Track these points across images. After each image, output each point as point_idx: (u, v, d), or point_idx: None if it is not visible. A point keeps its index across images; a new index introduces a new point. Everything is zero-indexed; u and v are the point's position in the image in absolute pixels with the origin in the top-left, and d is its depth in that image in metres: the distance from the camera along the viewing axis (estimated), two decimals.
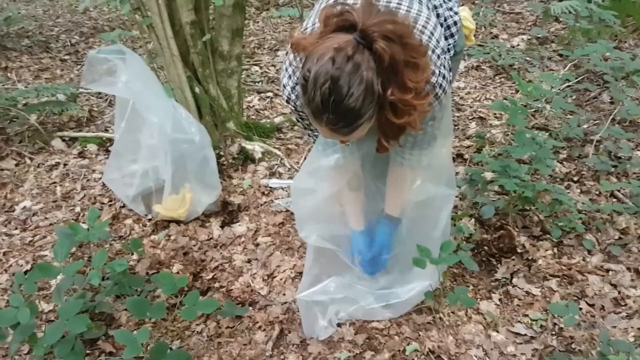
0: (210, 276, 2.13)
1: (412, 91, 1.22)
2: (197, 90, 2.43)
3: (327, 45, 1.16)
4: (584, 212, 2.22)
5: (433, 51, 1.37)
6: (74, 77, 4.05)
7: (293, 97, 1.48)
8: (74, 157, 2.91)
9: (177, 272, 2.11)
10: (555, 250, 2.10)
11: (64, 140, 3.06)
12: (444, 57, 1.42)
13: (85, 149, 2.96)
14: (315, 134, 1.65)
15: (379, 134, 1.39)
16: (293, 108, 1.53)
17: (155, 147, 2.22)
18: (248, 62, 3.96)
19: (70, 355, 1.60)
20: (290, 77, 1.45)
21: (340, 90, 1.15)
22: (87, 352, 1.82)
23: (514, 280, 1.98)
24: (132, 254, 2.19)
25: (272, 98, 3.47)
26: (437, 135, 1.62)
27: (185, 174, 2.28)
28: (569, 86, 3.24)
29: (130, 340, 1.56)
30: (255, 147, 2.68)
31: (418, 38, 1.32)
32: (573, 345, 1.71)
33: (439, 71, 1.38)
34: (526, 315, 1.84)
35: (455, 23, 1.55)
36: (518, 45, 3.97)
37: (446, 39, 1.53)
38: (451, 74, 1.48)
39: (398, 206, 1.74)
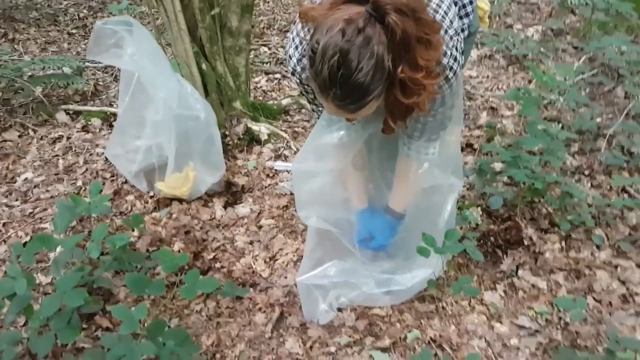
0: (211, 256, 2.10)
1: (423, 70, 1.17)
2: (204, 66, 2.38)
3: (337, 17, 1.12)
4: (594, 206, 2.17)
5: (446, 31, 1.32)
6: (81, 50, 4.00)
7: (299, 69, 1.43)
8: (78, 131, 2.87)
9: (178, 251, 2.08)
10: (563, 243, 2.06)
11: (68, 114, 3.03)
12: (457, 39, 1.37)
13: (89, 123, 2.92)
14: (320, 109, 1.60)
15: (386, 114, 1.35)
16: (298, 81, 1.49)
17: (160, 124, 2.17)
18: (257, 42, 3.90)
19: (66, 328, 1.57)
20: (296, 48, 1.40)
21: (349, 64, 1.10)
22: (84, 326, 1.79)
23: (520, 272, 1.95)
24: (133, 230, 2.15)
25: (280, 79, 3.41)
26: (447, 124, 1.57)
27: (189, 152, 2.24)
28: (582, 79, 3.17)
29: (128, 316, 1.54)
30: (262, 128, 2.63)
31: (431, 16, 1.27)
32: (579, 341, 1.68)
33: (451, 52, 1.33)
34: (531, 308, 1.81)
35: (470, 2, 1.49)
36: (532, 36, 3.89)
37: (460, 18, 1.48)
38: (463, 57, 1.43)
39: (402, 201, 1.70)
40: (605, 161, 2.45)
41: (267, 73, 3.45)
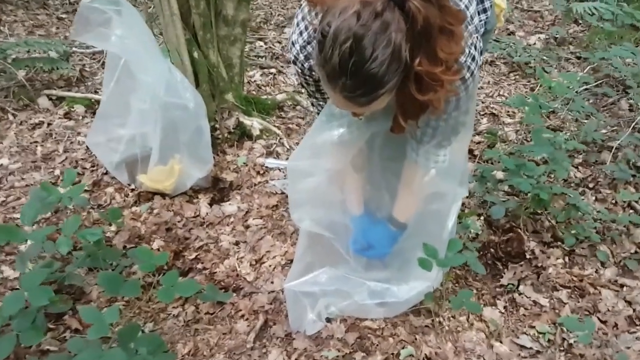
0: (193, 256, 1.96)
1: (443, 64, 1.05)
2: (195, 55, 2.25)
3: None
4: (599, 220, 2.07)
5: (466, 26, 1.21)
6: (70, 35, 3.84)
7: (302, 57, 1.30)
8: (59, 118, 2.72)
9: (158, 249, 1.95)
10: (567, 259, 1.95)
11: (50, 99, 2.87)
12: (476, 37, 1.26)
13: (72, 109, 2.77)
14: (320, 103, 1.48)
15: (397, 111, 1.22)
16: (300, 70, 1.36)
17: (146, 112, 2.04)
18: (253, 36, 3.77)
19: (29, 329, 1.43)
20: (301, 33, 1.28)
21: (363, 51, 0.98)
22: (51, 327, 1.66)
23: (521, 287, 1.84)
24: (110, 224, 2.02)
25: (275, 74, 3.29)
26: (460, 130, 1.46)
27: (175, 144, 2.10)
28: (586, 89, 3.08)
29: (98, 318, 1.40)
30: (254, 123, 2.50)
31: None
32: None
33: (469, 51, 1.22)
34: (532, 327, 1.70)
35: None
36: (534, 44, 3.80)
37: (478, 14, 1.37)
38: (481, 57, 1.32)
39: (407, 211, 1.59)
40: (611, 175, 2.35)
41: (262, 67, 3.33)
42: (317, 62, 1.08)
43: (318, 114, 1.51)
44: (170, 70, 1.96)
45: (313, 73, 1.34)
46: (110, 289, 1.53)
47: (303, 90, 1.53)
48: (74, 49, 3.43)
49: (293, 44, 1.31)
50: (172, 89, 1.92)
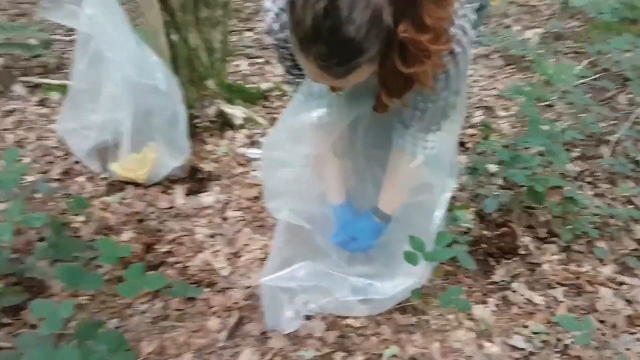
0: (165, 249, 1.84)
1: (430, 31, 0.94)
2: (173, 37, 2.13)
3: None
4: (597, 215, 1.96)
5: None
6: (52, 24, 3.72)
7: (277, 27, 1.19)
8: (34, 105, 2.61)
9: (128, 241, 1.82)
10: (563, 255, 1.84)
11: (26, 86, 2.75)
12: (469, 8, 1.15)
13: (47, 96, 2.65)
14: (297, 80, 1.36)
15: (380, 87, 1.11)
16: (275, 43, 1.25)
17: (118, 96, 1.91)
18: (241, 26, 3.66)
19: None
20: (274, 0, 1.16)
21: (338, 12, 0.87)
22: (8, 322, 1.53)
23: (514, 284, 1.72)
24: (77, 214, 1.89)
25: (262, 65, 3.17)
26: (450, 114, 1.34)
27: (149, 131, 1.99)
28: (583, 83, 2.97)
29: (50, 312, 1.28)
30: (236, 112, 2.39)
31: None
32: None
33: (459, 22, 1.11)
34: (526, 327, 1.58)
35: None
36: (531, 38, 3.69)
37: None
38: (473, 32, 1.20)
39: (393, 202, 1.48)
40: (610, 169, 2.24)
41: (249, 57, 3.21)
42: (289, 28, 0.97)
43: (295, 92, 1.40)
44: (143, 50, 1.84)
45: (289, 45, 1.22)
46: (70, 281, 1.41)
47: (280, 66, 1.40)
48: (55, 36, 3.32)
49: (267, 11, 1.19)
50: (144, 69, 1.80)
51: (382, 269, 1.57)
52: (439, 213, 1.49)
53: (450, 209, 1.88)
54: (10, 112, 2.55)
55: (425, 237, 1.47)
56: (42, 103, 2.62)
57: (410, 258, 1.40)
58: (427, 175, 1.47)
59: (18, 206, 1.39)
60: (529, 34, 3.81)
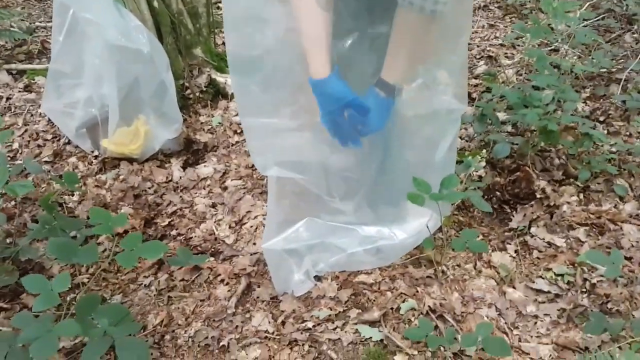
0: (166, 222, 1.77)
1: None
2: (155, 3, 2.02)
3: None
4: (615, 153, 1.87)
5: None
6: (35, 13, 3.62)
7: None
8: (19, 91, 2.52)
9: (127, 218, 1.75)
10: (581, 196, 1.75)
11: (10, 74, 2.66)
12: None
13: (33, 81, 2.56)
14: None
15: None
16: None
17: (101, 67, 1.82)
18: None
19: None
20: None
21: None
22: (5, 306, 1.46)
23: (533, 229, 1.64)
24: (72, 194, 1.81)
25: None
26: None
27: (138, 103, 1.90)
28: (585, 26, 2.85)
29: (44, 288, 1.20)
30: (228, 80, 2.29)
31: None
32: (609, 305, 1.37)
33: None
34: (549, 270, 1.50)
35: None
36: None
37: None
38: None
39: (398, 69, 1.21)
40: (622, 106, 2.13)
41: None
42: None
43: None
44: (123, 14, 1.74)
45: None
46: (64, 257, 1.32)
47: None
48: (37, 23, 3.22)
49: None
50: (125, 33, 1.70)
51: (389, 213, 1.48)
52: (446, 143, 1.37)
53: (460, 156, 1.79)
54: None
55: (432, 177, 1.36)
56: (28, 89, 2.53)
57: (415, 199, 1.30)
58: (435, 101, 1.32)
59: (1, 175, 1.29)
60: None
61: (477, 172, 1.77)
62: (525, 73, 2.49)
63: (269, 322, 1.39)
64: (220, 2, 3.28)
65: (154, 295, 1.50)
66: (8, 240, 1.60)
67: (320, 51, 1.18)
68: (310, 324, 1.37)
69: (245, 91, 1.24)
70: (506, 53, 2.70)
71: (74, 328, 1.17)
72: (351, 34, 1.31)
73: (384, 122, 1.25)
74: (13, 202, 1.79)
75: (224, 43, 2.90)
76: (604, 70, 2.38)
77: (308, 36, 1.17)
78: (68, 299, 1.44)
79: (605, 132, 2.04)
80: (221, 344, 1.33)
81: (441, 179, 1.38)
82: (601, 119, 2.12)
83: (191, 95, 2.20)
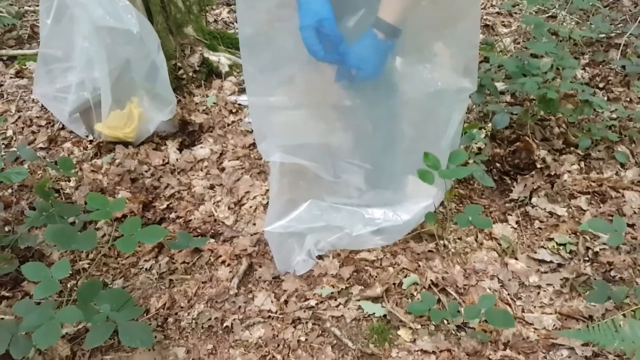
0: (164, 205, 1.75)
1: None
2: None
3: None
4: (615, 119, 1.84)
5: None
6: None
7: None
8: (11, 77, 2.47)
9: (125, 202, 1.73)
10: (582, 164, 1.74)
11: (1, 60, 2.62)
12: None
13: (24, 67, 2.52)
14: None
15: None
16: None
17: (92, 51, 1.78)
18: None
19: None
20: None
21: None
22: (7, 294, 1.46)
23: (534, 199, 1.63)
24: (69, 180, 1.80)
25: None
26: None
27: (131, 85, 1.86)
28: None
29: (44, 275, 1.20)
30: (221, 59, 2.25)
31: None
32: (612, 273, 1.37)
33: None
34: (551, 239, 1.49)
35: None
36: None
37: None
38: None
39: (397, 6, 1.13)
40: (622, 71, 2.11)
41: (229, 4, 3.04)
42: None
43: None
44: None
45: None
46: (63, 243, 1.32)
47: None
48: (25, 7, 3.15)
49: None
50: (112, 13, 1.66)
51: (392, 195, 1.47)
52: (453, 124, 1.35)
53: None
54: None
55: (439, 153, 1.35)
56: (19, 74, 2.49)
57: (425, 176, 1.29)
58: (444, 79, 1.30)
59: None
60: None
61: (476, 143, 1.75)
62: (522, 41, 2.46)
63: (272, 302, 1.39)
64: None
65: (155, 278, 1.50)
66: (6, 229, 1.59)
67: None
68: (313, 302, 1.37)
69: (248, 69, 1.25)
70: (503, 21, 2.66)
71: (77, 314, 1.17)
72: None
73: (379, 67, 1.19)
74: (9, 190, 1.78)
75: (215, 21, 2.86)
76: (603, 35, 2.35)
77: None
78: (69, 285, 1.44)
79: (605, 98, 2.02)
80: (225, 324, 1.33)
81: (447, 155, 1.36)
82: (601, 85, 2.09)
83: (184, 76, 2.17)
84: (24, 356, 1.18)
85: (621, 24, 2.47)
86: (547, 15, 2.58)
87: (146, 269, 1.53)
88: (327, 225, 1.48)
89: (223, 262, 1.53)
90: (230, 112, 2.14)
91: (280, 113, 1.35)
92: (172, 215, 1.72)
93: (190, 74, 2.18)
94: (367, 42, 1.16)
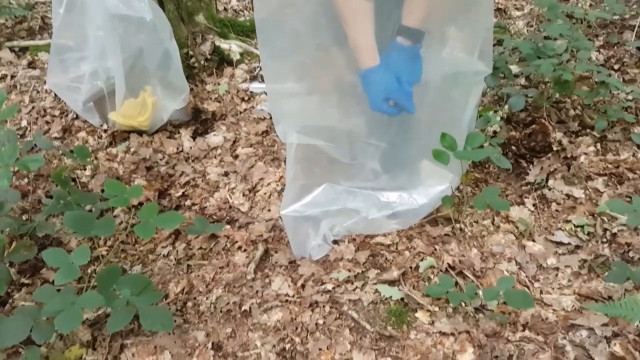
0: (179, 193, 1.76)
1: None
2: None
3: None
4: (631, 100, 1.82)
5: None
6: None
7: None
8: (24, 68, 2.49)
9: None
10: (599, 146, 1.72)
11: (13, 51, 2.63)
12: None
13: (37, 58, 2.53)
14: None
15: None
16: None
17: (105, 39, 1.78)
18: None
19: None
20: None
21: None
22: (26, 282, 1.48)
23: (550, 182, 1.62)
24: (85, 168, 1.81)
25: None
26: None
27: (144, 74, 1.87)
28: None
29: (64, 260, 1.21)
30: (232, 47, 2.25)
31: None
32: (631, 254, 1.36)
33: None
34: (568, 221, 1.48)
35: None
36: None
37: None
38: None
39: (420, 11, 1.17)
40: (637, 53, 2.08)
41: None
42: None
43: None
44: None
45: None
46: (81, 229, 1.33)
47: None
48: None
49: None
50: (125, 1, 1.66)
51: (409, 178, 1.46)
52: (470, 108, 1.35)
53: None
54: (0, 79, 2.44)
55: (453, 134, 1.35)
56: (31, 65, 2.50)
57: (440, 157, 1.28)
58: (460, 62, 1.30)
59: (10, 150, 1.28)
60: None
61: (492, 126, 1.74)
62: (536, 24, 2.43)
63: (289, 286, 1.39)
64: None
65: (173, 264, 1.51)
66: (24, 217, 1.61)
67: (368, 43, 1.20)
68: (329, 286, 1.37)
69: (262, 58, 1.27)
70: (515, 4, 2.63)
71: (98, 299, 1.19)
72: None
73: (419, 72, 1.23)
74: (26, 180, 1.80)
75: (225, 9, 2.85)
76: (617, 17, 2.31)
77: (356, 32, 1.19)
78: (88, 271, 1.45)
79: (621, 79, 2.00)
80: (243, 308, 1.34)
81: (464, 138, 1.36)
82: (616, 67, 2.07)
83: (196, 64, 2.17)
84: (46, 341, 1.20)
85: (636, 5, 2.44)
86: None
87: (164, 255, 1.54)
88: (342, 209, 1.48)
89: (239, 247, 1.54)
90: (243, 99, 2.14)
91: (295, 99, 1.35)
92: (188, 203, 1.73)
93: (202, 62, 2.18)
94: (395, 56, 1.20)
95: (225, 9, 2.83)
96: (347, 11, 1.17)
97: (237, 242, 1.55)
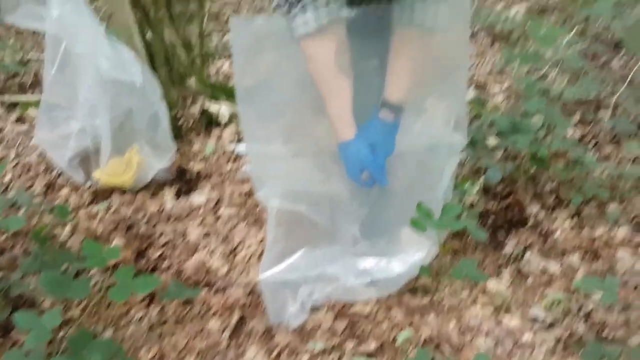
0: (158, 254, 1.75)
1: None
2: (148, 36, 2.04)
3: None
4: (607, 177, 1.88)
5: None
6: (28, 46, 3.64)
7: None
8: (12, 123, 2.51)
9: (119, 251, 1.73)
10: (574, 221, 1.76)
11: (2, 106, 2.66)
12: None
13: (26, 113, 2.56)
14: None
15: None
16: None
17: (94, 100, 1.83)
18: (221, 29, 3.59)
19: None
20: None
21: None
22: None
23: (527, 255, 1.64)
24: (65, 226, 1.80)
25: None
26: None
27: (132, 134, 1.90)
28: (575, 50, 2.90)
29: (35, 323, 1.19)
30: (222, 109, 2.30)
31: None
32: (605, 332, 1.37)
33: None
34: (544, 296, 1.49)
35: None
36: (517, 12, 3.64)
37: None
38: None
39: (402, 87, 1.23)
40: (612, 131, 2.16)
41: (229, 57, 3.13)
42: None
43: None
44: (116, 46, 1.75)
45: None
46: (56, 291, 1.32)
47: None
48: (30, 54, 3.24)
49: None
50: (118, 65, 1.71)
51: (388, 245, 1.48)
52: (446, 178, 1.38)
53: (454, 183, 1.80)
54: None
55: (429, 204, 1.37)
56: (20, 120, 2.53)
57: (418, 225, 1.31)
58: (436, 134, 1.36)
59: None
60: (513, 10, 3.75)
61: (469, 197, 1.78)
62: (515, 100, 2.53)
63: (263, 356, 1.37)
64: (212, 33, 3.34)
65: (146, 330, 1.48)
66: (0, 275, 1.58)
67: (346, 115, 1.25)
68: (305, 357, 1.35)
69: (245, 118, 1.32)
70: (496, 79, 2.74)
71: None
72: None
73: (393, 144, 1.30)
74: (4, 237, 1.78)
75: (216, 73, 2.94)
76: (593, 96, 2.42)
77: (334, 108, 1.25)
78: (60, 335, 1.42)
79: (596, 156, 2.06)
80: None
81: (440, 207, 1.39)
82: (592, 143, 2.14)
83: (184, 125, 2.21)
84: None
85: (610, 85, 2.56)
86: (540, 74, 2.66)
87: (137, 319, 1.51)
88: (321, 275, 1.48)
89: (215, 313, 1.52)
90: (228, 160, 2.17)
91: (279, 161, 1.38)
92: (165, 264, 1.71)
93: (191, 123, 2.22)
94: (377, 132, 1.27)
95: (217, 73, 2.91)
96: (325, 88, 1.23)
97: (212, 307, 1.53)
